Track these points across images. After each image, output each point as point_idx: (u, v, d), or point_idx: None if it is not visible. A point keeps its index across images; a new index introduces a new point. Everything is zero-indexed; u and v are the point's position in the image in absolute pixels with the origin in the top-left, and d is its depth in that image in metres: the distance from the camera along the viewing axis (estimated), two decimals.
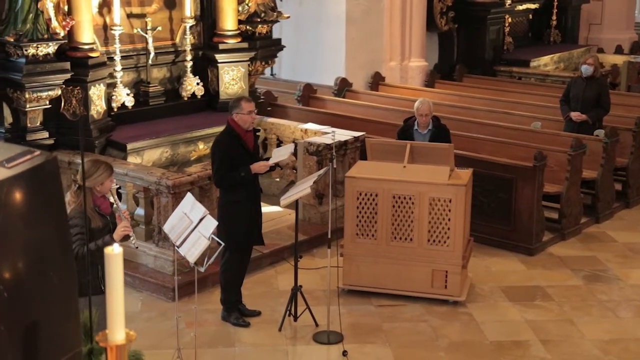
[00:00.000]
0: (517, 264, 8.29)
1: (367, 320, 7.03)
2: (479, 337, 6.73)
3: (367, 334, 6.78)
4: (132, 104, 8.91)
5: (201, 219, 5.40)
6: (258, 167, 6.70)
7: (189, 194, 5.77)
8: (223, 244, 5.67)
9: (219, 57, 9.55)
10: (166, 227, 5.66)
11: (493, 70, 14.44)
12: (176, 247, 5.49)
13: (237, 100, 6.75)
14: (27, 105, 7.86)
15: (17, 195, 2.58)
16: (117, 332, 2.80)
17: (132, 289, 7.52)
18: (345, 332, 6.70)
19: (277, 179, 9.70)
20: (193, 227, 5.40)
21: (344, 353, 6.37)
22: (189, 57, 9.42)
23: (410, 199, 7.21)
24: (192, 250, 5.31)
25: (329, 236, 6.64)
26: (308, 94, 11.74)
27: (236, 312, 6.93)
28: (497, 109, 11.13)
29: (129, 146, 8.28)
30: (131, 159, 8.26)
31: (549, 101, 11.30)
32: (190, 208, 5.52)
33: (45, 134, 8.12)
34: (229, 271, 6.83)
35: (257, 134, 6.88)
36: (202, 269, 5.48)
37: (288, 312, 6.87)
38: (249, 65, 9.82)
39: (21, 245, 2.59)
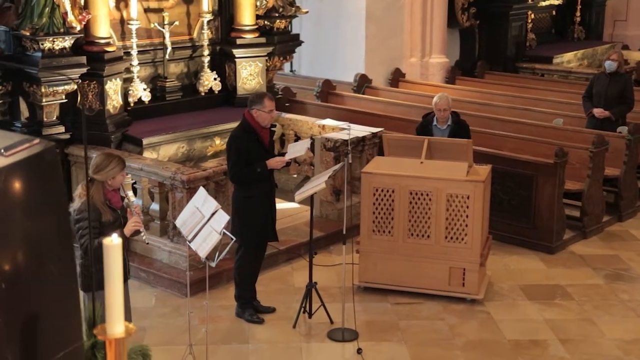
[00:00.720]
0: (537, 262, 8.15)
1: (383, 318, 6.93)
2: (496, 335, 6.61)
3: (383, 331, 6.68)
4: (149, 99, 8.86)
5: (213, 214, 5.33)
6: (274, 162, 6.62)
7: (201, 188, 5.70)
8: (234, 238, 5.60)
9: (237, 52, 9.49)
10: (178, 222, 5.60)
11: (515, 67, 14.25)
12: (187, 242, 5.42)
13: (260, 97, 6.61)
14: (43, 100, 7.83)
15: (15, 184, 2.51)
16: (116, 324, 2.72)
17: (147, 284, 7.48)
18: (360, 330, 6.60)
19: (295, 175, 9.62)
20: (205, 221, 5.32)
21: (359, 351, 6.27)
22: (206, 52, 9.36)
23: (427, 195, 7.10)
24: (204, 245, 5.24)
25: (344, 232, 6.54)
26: (327, 90, 11.65)
27: (250, 308, 6.85)
28: (518, 106, 10.99)
29: (145, 141, 8.23)
30: (147, 154, 8.21)
31: (571, 98, 11.14)
32: (203, 202, 5.45)
33: (62, 129, 8.09)
34: (243, 267, 6.75)
35: (273, 129, 6.78)
36: (213, 264, 5.40)
37: (303, 309, 6.79)
38: (266, 60, 9.75)
39: (19, 236, 2.53)
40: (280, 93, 10.44)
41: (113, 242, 2.63)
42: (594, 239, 8.77)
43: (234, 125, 7.38)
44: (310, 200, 6.76)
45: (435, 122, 7.82)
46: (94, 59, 8.03)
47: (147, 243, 5.58)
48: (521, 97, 11.58)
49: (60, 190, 2.86)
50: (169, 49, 9.05)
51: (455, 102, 10.92)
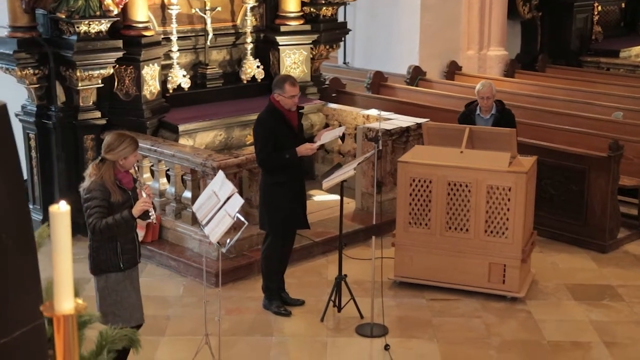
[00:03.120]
0: (587, 261, 7.69)
1: (416, 314, 6.60)
2: (535, 336, 6.21)
3: (415, 328, 6.36)
4: (189, 85, 8.68)
5: (228, 198, 5.10)
6: (305, 149, 6.36)
7: (220, 172, 5.48)
8: (247, 222, 5.35)
9: (281, 39, 9.23)
10: (195, 206, 5.39)
11: (579, 61, 13.69)
12: (201, 226, 5.21)
13: (282, 82, 6.35)
14: (79, 84, 7.74)
15: None
16: (65, 300, 2.48)
17: (177, 273, 7.32)
18: (392, 326, 6.31)
19: None
20: (220, 205, 5.10)
21: (386, 347, 5.96)
22: (249, 39, 9.14)
23: (466, 186, 6.73)
24: (216, 229, 5.01)
25: (374, 222, 6.25)
26: (378, 81, 11.33)
27: (278, 300, 6.61)
28: (578, 99, 10.48)
29: (181, 128, 8.06)
30: (183, 140, 8.04)
31: (635, 92, 10.58)
32: (220, 186, 5.23)
33: (98, 114, 7.98)
34: (271, 257, 6.51)
35: (301, 111, 6.53)
36: (224, 250, 5.18)
37: (332, 303, 6.51)
38: (312, 48, 9.48)
39: None
40: (327, 83, 10.17)
41: (60, 210, 2.42)
42: None
43: None
44: (340, 189, 6.48)
45: (478, 111, 7.44)
46: (131, 43, 7.89)
47: (155, 223, 5.43)
48: (582, 90, 11.05)
49: (13, 158, 2.65)
50: (210, 36, 8.85)
51: (512, 95, 10.52)
